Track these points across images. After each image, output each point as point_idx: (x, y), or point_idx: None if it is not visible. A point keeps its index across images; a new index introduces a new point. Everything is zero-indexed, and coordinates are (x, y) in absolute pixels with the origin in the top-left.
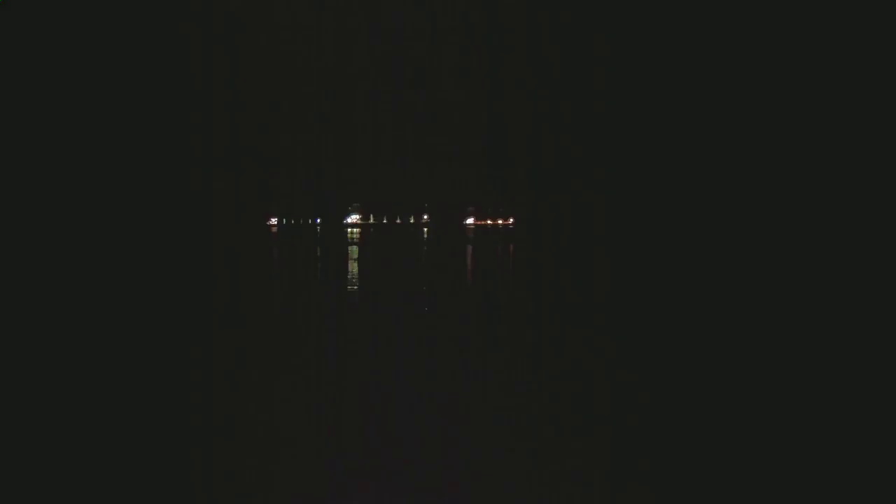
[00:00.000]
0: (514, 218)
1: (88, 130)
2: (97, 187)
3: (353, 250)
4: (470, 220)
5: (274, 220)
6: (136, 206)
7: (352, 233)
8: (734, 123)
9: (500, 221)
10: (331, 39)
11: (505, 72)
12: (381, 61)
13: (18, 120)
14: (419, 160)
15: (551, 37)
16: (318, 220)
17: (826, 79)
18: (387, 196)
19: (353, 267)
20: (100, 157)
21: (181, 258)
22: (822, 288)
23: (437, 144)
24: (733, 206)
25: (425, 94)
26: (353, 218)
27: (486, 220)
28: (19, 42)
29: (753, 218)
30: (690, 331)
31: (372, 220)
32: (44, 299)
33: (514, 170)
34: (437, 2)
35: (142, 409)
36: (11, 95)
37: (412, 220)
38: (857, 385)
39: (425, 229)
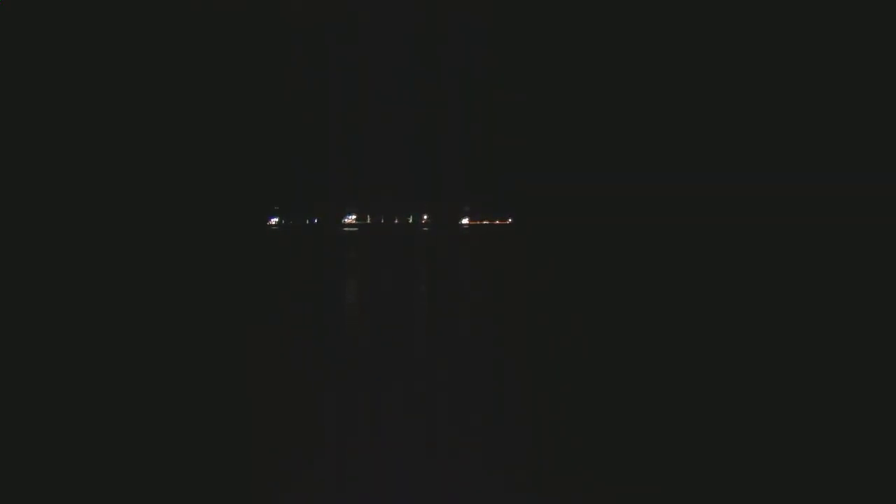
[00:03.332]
0: (511, 218)
1: (88, 131)
2: (97, 188)
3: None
4: (465, 221)
5: (273, 220)
6: (133, 206)
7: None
8: (734, 123)
9: (497, 221)
10: (330, 37)
11: (503, 71)
12: (380, 58)
13: (18, 120)
14: (417, 159)
15: (550, 36)
16: (316, 220)
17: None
18: (385, 195)
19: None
20: (99, 158)
21: (178, 259)
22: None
23: (435, 143)
24: (731, 207)
25: (424, 93)
26: (350, 218)
27: (482, 220)
28: (19, 42)
29: (753, 218)
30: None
31: (369, 221)
32: (42, 300)
33: (511, 169)
34: (436, 1)
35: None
36: (11, 95)
37: (410, 220)
38: (854, 387)
39: (425, 229)
